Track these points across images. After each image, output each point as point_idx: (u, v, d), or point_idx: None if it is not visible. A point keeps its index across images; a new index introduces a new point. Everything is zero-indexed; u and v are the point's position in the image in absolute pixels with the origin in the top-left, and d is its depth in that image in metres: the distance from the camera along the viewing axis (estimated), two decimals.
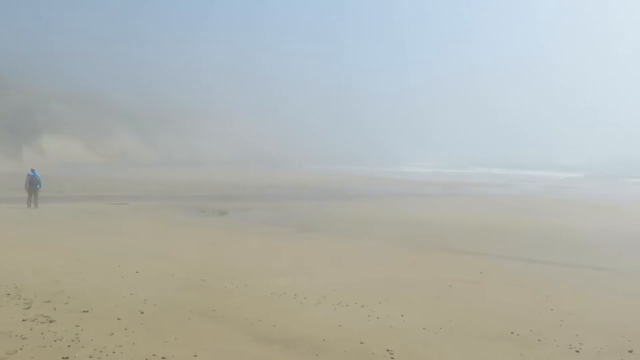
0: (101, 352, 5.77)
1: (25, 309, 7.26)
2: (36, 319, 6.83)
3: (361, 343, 6.35)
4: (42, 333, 6.30)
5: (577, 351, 6.23)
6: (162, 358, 5.67)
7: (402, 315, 7.48)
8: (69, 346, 5.89)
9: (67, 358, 5.58)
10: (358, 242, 14.81)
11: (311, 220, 19.93)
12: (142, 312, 7.32)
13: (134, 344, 6.08)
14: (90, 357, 5.63)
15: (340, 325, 7.02)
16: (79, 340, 6.08)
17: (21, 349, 5.79)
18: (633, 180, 49.12)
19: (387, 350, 6.11)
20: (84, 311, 7.23)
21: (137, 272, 9.86)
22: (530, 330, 6.90)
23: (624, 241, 15.24)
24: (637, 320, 7.45)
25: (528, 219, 20.78)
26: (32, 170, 22.49)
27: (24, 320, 6.77)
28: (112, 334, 6.38)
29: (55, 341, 6.04)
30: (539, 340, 6.59)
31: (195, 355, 5.81)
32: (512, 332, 6.83)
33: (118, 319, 6.98)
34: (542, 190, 37.39)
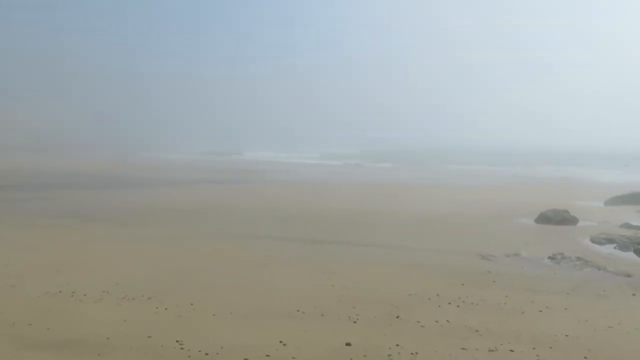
0: None
1: None
2: None
3: (149, 337, 6.08)
4: None
5: (355, 322, 6.81)
6: None
7: (191, 304, 7.35)
8: None
9: None
10: (144, 231, 14.14)
11: (93, 209, 18.46)
12: None
13: None
14: None
15: (125, 321, 6.63)
16: None
17: None
18: (394, 166, 55.68)
19: (177, 341, 5.95)
20: None
21: None
22: (314, 307, 7.34)
23: (390, 220, 17.11)
24: (403, 290, 8.40)
25: (308, 202, 22.08)
26: None
27: None
28: None
29: None
30: (322, 315, 7.05)
31: None
32: (297, 310, 7.19)
33: None
34: (320, 176, 40.17)
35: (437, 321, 6.86)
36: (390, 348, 5.86)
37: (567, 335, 6.39)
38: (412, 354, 5.73)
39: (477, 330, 6.53)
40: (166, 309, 7.17)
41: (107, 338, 6.02)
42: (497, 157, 74.32)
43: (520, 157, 73.60)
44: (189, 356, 5.58)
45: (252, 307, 7.35)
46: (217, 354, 5.63)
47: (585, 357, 5.71)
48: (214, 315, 6.94)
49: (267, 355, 5.61)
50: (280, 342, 5.98)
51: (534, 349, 5.94)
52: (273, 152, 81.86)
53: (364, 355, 5.66)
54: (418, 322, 6.82)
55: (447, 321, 6.88)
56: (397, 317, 7.02)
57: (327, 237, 13.91)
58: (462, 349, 5.91)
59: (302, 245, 12.75)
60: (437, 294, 8.15)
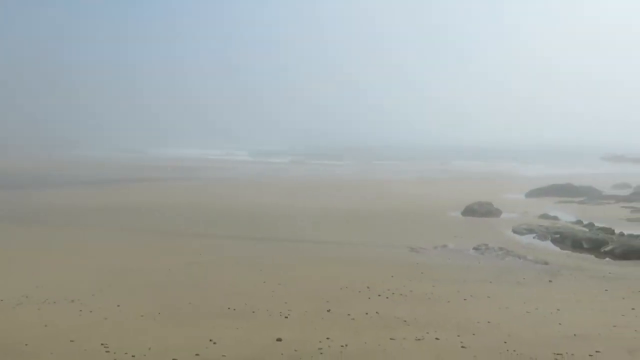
0: None
1: None
2: None
3: (71, 341, 5.83)
4: None
5: (286, 317, 6.82)
6: None
7: (118, 306, 7.11)
8: None
9: None
10: (66, 232, 13.58)
11: (10, 210, 17.49)
12: None
13: None
14: None
15: (46, 325, 6.33)
16: None
17: None
18: (327, 162, 56.16)
19: (102, 344, 5.74)
20: None
21: None
22: (245, 304, 7.29)
23: (323, 215, 17.23)
24: (334, 284, 8.50)
25: (240, 199, 21.90)
26: None
27: None
28: None
29: None
30: (253, 312, 7.01)
31: None
32: (229, 308, 7.11)
33: None
34: (253, 172, 40.02)
35: (367, 313, 6.98)
36: (320, 342, 5.91)
37: (489, 322, 6.67)
38: (342, 346, 5.80)
39: (405, 321, 6.71)
40: (91, 311, 6.90)
41: (26, 344, 5.73)
42: (427, 153, 76.55)
43: (449, 153, 76.06)
44: (115, 359, 5.41)
45: (182, 306, 7.21)
46: (144, 355, 5.48)
47: (505, 342, 5.98)
48: (141, 316, 6.76)
49: (196, 355, 5.52)
50: (210, 340, 5.89)
51: (458, 336, 6.17)
52: (206, 150, 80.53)
53: (295, 350, 5.68)
54: (349, 314, 6.91)
55: (377, 313, 7.01)
56: (328, 310, 7.09)
57: (259, 234, 13.85)
58: (391, 339, 6.05)
59: (235, 242, 12.64)
60: (368, 287, 8.29)
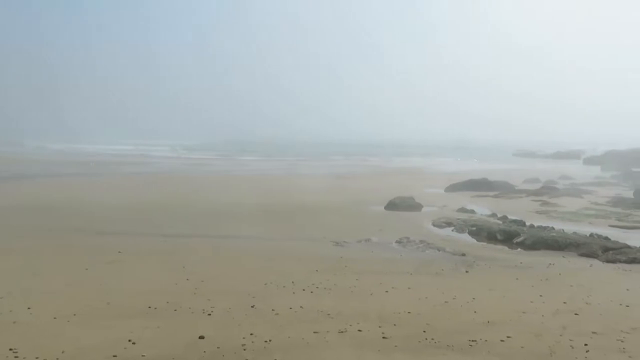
0: None
1: None
2: None
3: None
4: None
5: (209, 314, 6.71)
6: None
7: (28, 308, 6.72)
8: None
9: None
10: None
11: None
12: None
13: None
14: None
15: None
16: None
17: None
18: (251, 158, 55.85)
19: (10, 349, 5.41)
20: None
21: None
22: (167, 302, 7.11)
23: (248, 211, 17.12)
24: (259, 279, 8.45)
25: (160, 194, 21.33)
26: None
27: None
28: None
29: None
30: (175, 310, 6.85)
31: None
32: (149, 307, 6.90)
33: None
34: (175, 167, 39.13)
35: (291, 308, 7.00)
36: (244, 338, 5.87)
37: (409, 312, 6.88)
38: (265, 341, 5.79)
39: (329, 314, 6.79)
40: None
41: None
42: (351, 149, 77.82)
43: (370, 149, 77.70)
44: None
45: (100, 306, 6.92)
46: (57, 358, 5.22)
47: (425, 331, 6.19)
48: (55, 318, 6.42)
49: (114, 356, 5.32)
50: (129, 340, 5.70)
51: (380, 327, 6.32)
52: (126, 145, 77.77)
53: (218, 347, 5.60)
54: (273, 310, 6.90)
55: (301, 307, 7.05)
56: (253, 306, 7.05)
57: (181, 230, 13.56)
58: (314, 332, 6.10)
59: (155, 239, 12.29)
60: (292, 282, 8.32)
